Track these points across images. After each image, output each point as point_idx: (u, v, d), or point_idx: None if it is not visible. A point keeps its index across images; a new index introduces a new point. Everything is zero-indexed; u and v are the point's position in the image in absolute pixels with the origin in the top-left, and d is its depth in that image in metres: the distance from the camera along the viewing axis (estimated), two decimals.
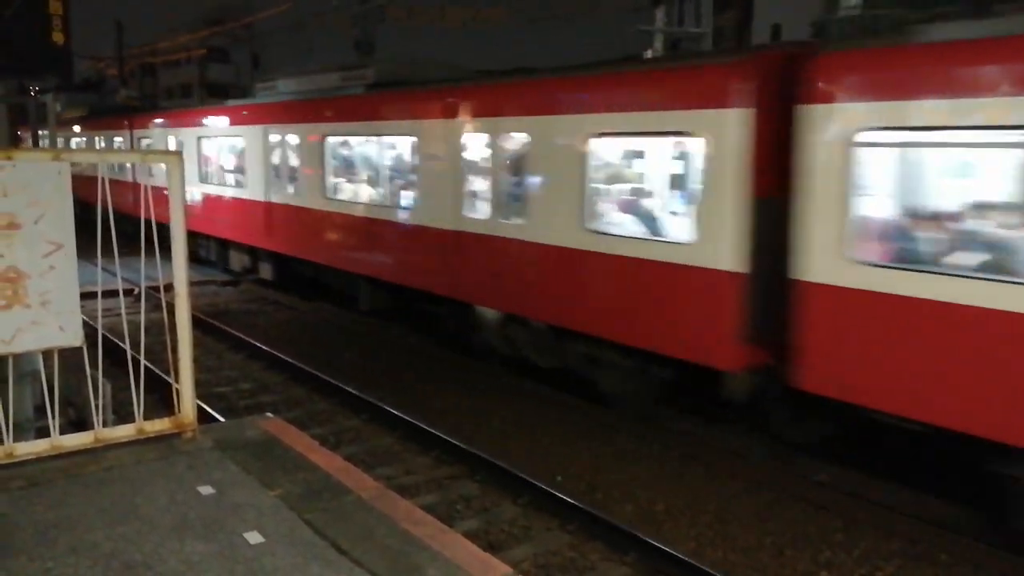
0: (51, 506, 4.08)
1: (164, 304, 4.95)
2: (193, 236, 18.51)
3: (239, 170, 16.66)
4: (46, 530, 3.84)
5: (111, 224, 4.65)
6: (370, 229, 12.22)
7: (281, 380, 10.67)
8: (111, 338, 9.36)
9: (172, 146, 18.56)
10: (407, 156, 11.86)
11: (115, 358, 7.82)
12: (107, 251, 4.63)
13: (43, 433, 4.79)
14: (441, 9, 33.60)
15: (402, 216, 11.56)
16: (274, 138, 14.59)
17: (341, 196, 13.12)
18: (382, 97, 12.17)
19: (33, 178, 4.33)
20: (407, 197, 11.73)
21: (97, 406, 4.75)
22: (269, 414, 6.08)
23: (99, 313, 4.96)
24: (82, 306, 4.57)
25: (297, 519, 4.01)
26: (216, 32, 46.54)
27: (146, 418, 4.90)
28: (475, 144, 10.08)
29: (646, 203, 8.79)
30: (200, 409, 6.01)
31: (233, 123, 16.45)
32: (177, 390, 4.94)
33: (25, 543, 3.72)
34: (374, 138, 12.43)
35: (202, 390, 8.75)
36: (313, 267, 14.22)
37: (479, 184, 10.08)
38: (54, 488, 4.28)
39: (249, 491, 4.31)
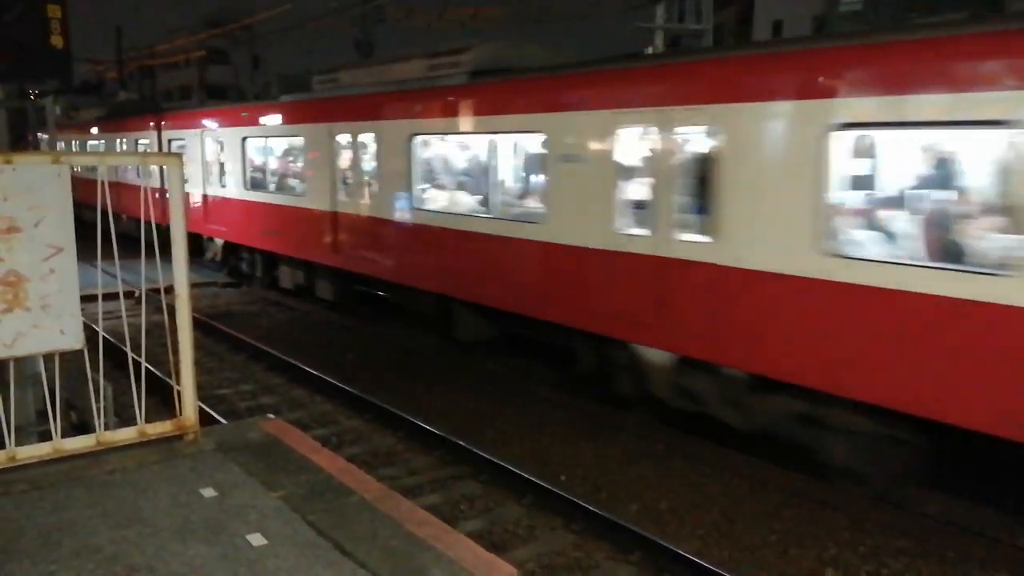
0: (54, 509, 4.07)
1: (165, 306, 4.94)
2: (235, 249, 17.13)
3: (296, 176, 14.74)
4: (49, 533, 3.83)
5: (111, 226, 4.64)
6: (472, 246, 10.10)
7: (283, 381, 10.66)
8: (112, 341, 9.39)
9: (210, 149, 16.92)
10: (531, 158, 10.02)
11: (116, 361, 7.83)
12: (107, 254, 4.62)
13: (45, 437, 4.78)
14: (440, 9, 33.62)
15: (520, 231, 9.41)
16: (342, 139, 12.56)
17: (432, 206, 11.04)
18: (494, 86, 10.02)
19: (33, 182, 4.31)
20: (528, 208, 9.81)
21: (99, 409, 4.74)
22: (271, 415, 6.07)
23: (100, 316, 4.95)
24: (83, 309, 4.55)
25: (300, 520, 4.00)
26: (215, 34, 46.57)
27: (148, 421, 4.89)
28: (635, 141, 8.03)
29: (936, 222, 6.36)
30: (201, 411, 6.00)
31: (289, 121, 14.31)
32: (178, 392, 4.93)
33: (28, 546, 3.71)
34: (481, 136, 10.36)
35: (203, 392, 8.76)
36: (391, 288, 12.29)
37: (640, 192, 8.02)
38: (57, 491, 4.27)
39: (251, 493, 4.30)
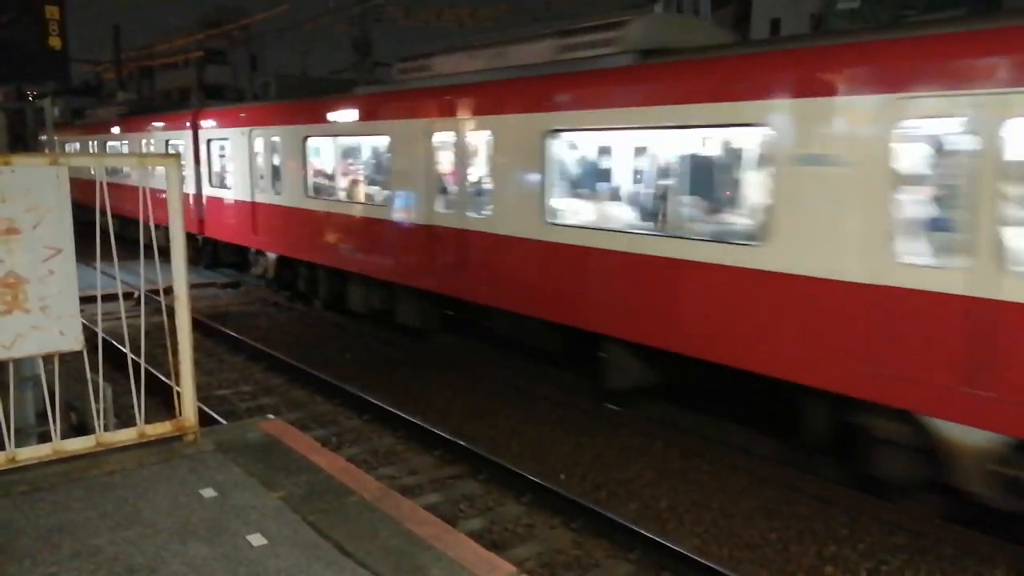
0: (54, 510, 4.08)
1: (164, 307, 4.95)
2: (289, 264, 15.08)
3: (376, 182, 12.70)
4: (49, 534, 3.84)
5: (109, 228, 4.65)
6: (636, 271, 8.00)
7: (282, 382, 10.67)
8: (112, 342, 9.40)
9: (260, 151, 14.90)
10: (738, 159, 7.74)
11: (116, 362, 7.84)
12: (107, 255, 4.63)
13: (45, 438, 4.79)
14: (439, 9, 33.69)
15: (717, 254, 7.25)
16: (443, 138, 10.45)
17: (573, 221, 8.95)
18: (680, 67, 7.78)
19: (32, 183, 4.33)
20: (729, 225, 7.70)
21: (98, 410, 4.75)
22: (270, 416, 6.08)
23: (99, 317, 4.96)
24: (82, 310, 4.56)
25: (300, 521, 4.01)
26: (212, 35, 46.59)
27: (147, 422, 4.90)
28: (933, 136, 6.11)
29: None
30: (201, 412, 6.01)
31: (368, 118, 12.03)
32: (178, 393, 4.94)
33: (28, 547, 3.72)
34: (657, 132, 8.18)
35: (203, 393, 8.77)
36: (498, 317, 10.22)
37: (943, 209, 6.05)
38: (57, 493, 4.28)
39: (251, 493, 4.31)
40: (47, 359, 4.52)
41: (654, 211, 8.40)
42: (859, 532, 6.49)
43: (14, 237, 4.28)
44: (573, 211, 9.08)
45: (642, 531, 6.16)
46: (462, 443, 7.93)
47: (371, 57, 27.22)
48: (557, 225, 8.90)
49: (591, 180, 9.40)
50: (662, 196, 8.28)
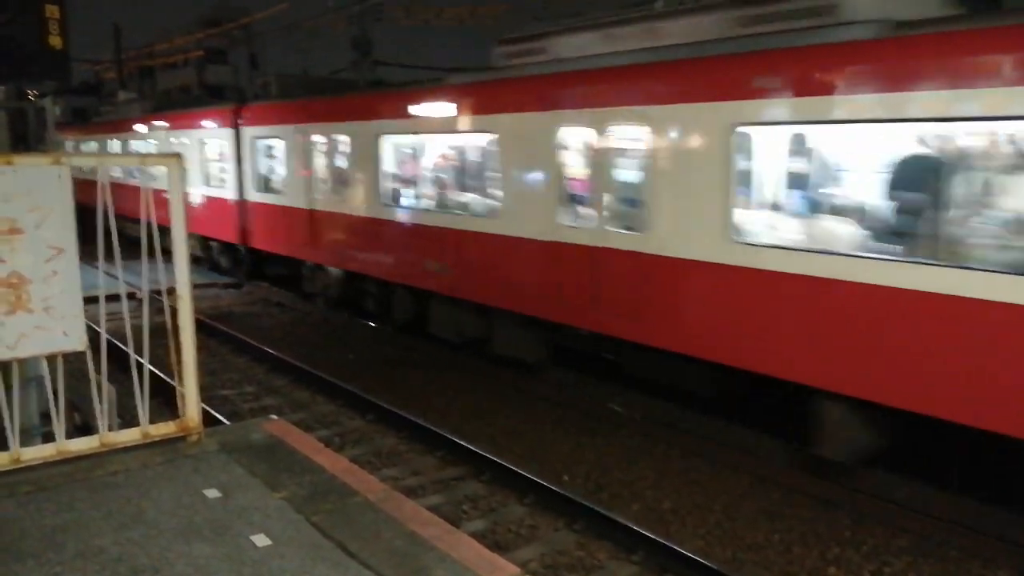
0: (58, 511, 4.08)
1: (167, 307, 4.95)
2: (354, 281, 13.29)
3: (474, 188, 10.72)
4: (53, 534, 3.84)
5: (112, 228, 4.64)
6: (896, 313, 6.05)
7: (285, 382, 10.67)
8: (115, 342, 9.40)
9: (319, 152, 13.25)
10: None
11: (119, 363, 7.83)
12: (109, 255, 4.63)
13: (49, 438, 4.79)
14: (438, 8, 33.73)
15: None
16: (573, 136, 8.66)
17: (778, 240, 7.04)
18: (977, 38, 5.60)
19: (34, 183, 4.33)
20: None
21: (102, 411, 4.74)
22: (274, 416, 6.07)
23: (102, 317, 4.95)
24: (85, 310, 4.56)
25: (304, 521, 4.00)
26: (211, 34, 46.61)
27: (151, 422, 4.90)
28: None
29: None
30: (205, 412, 5.99)
31: (465, 112, 10.14)
32: (181, 394, 4.93)
33: (33, 548, 3.72)
34: (919, 128, 6.18)
35: (206, 393, 8.72)
36: (650, 357, 8.29)
37: None
38: (61, 493, 4.28)
39: (255, 493, 4.30)
40: (50, 359, 4.51)
41: (911, 231, 6.31)
42: (862, 534, 6.48)
43: (16, 237, 4.27)
44: (772, 228, 7.24)
45: (645, 532, 6.16)
46: (465, 444, 7.93)
47: (371, 56, 27.21)
48: (748, 245, 7.06)
49: (803, 189, 7.25)
50: (927, 212, 6.20)
